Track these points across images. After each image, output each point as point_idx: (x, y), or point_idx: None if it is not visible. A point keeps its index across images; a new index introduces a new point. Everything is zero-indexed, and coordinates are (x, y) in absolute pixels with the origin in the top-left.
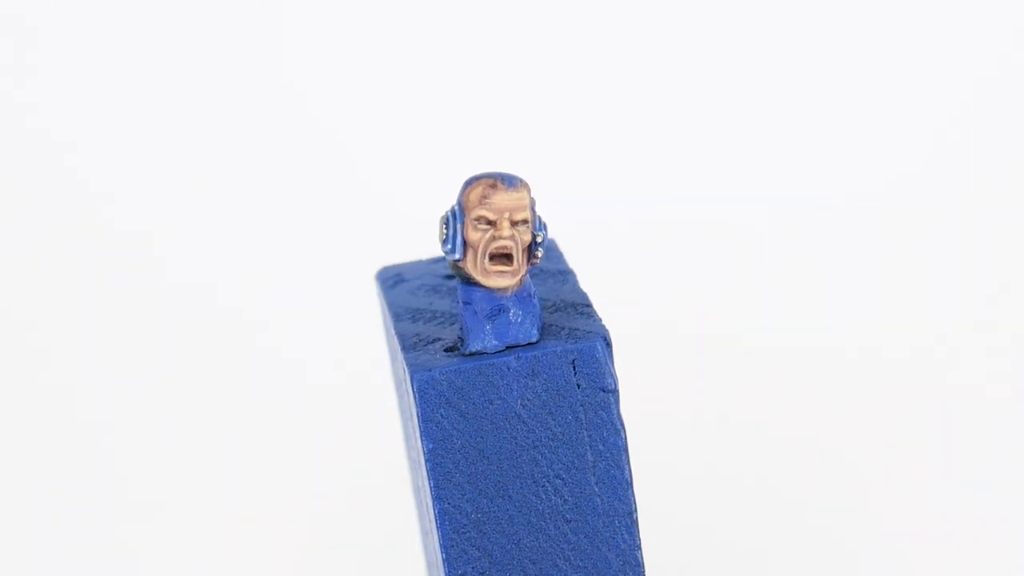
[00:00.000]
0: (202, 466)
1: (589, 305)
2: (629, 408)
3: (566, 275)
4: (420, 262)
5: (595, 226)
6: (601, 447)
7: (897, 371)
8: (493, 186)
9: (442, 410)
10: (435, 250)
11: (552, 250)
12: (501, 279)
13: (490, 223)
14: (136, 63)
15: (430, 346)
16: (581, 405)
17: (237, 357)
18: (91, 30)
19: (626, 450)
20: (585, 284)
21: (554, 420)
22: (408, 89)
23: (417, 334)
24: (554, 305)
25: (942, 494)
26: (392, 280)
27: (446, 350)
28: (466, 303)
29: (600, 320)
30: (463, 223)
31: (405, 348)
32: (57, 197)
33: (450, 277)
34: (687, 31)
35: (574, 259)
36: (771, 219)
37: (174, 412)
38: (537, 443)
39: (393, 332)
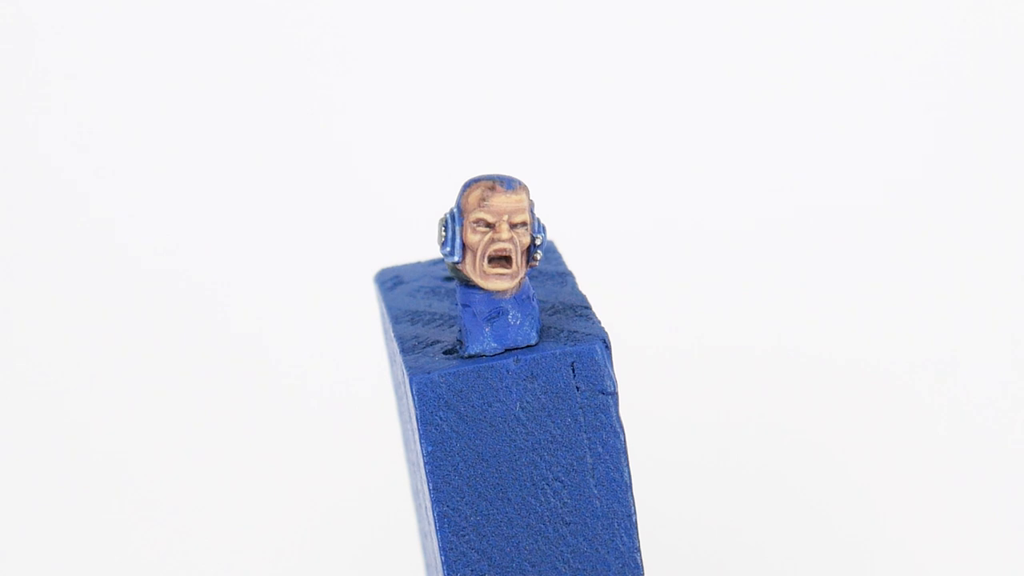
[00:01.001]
0: (199, 468)
1: (588, 307)
2: (629, 411)
3: (565, 277)
4: (419, 264)
5: (593, 228)
6: (600, 449)
7: (899, 376)
8: (492, 188)
9: (441, 413)
10: (434, 251)
11: (551, 252)
12: (500, 281)
13: (489, 225)
14: (135, 62)
15: (429, 348)
16: (580, 408)
17: (235, 359)
18: (91, 31)
19: (625, 452)
20: (584, 286)
21: (553, 423)
22: (408, 91)
23: (416, 336)
24: (553, 307)
25: (946, 497)
26: (391, 282)
27: (445, 353)
28: (465, 305)
29: (599, 322)
30: (462, 225)
31: (404, 351)
32: (54, 199)
33: (449, 279)
34: (687, 34)
35: (573, 261)
36: (770, 223)
37: (171, 415)
38: (536, 446)
39: (392, 335)
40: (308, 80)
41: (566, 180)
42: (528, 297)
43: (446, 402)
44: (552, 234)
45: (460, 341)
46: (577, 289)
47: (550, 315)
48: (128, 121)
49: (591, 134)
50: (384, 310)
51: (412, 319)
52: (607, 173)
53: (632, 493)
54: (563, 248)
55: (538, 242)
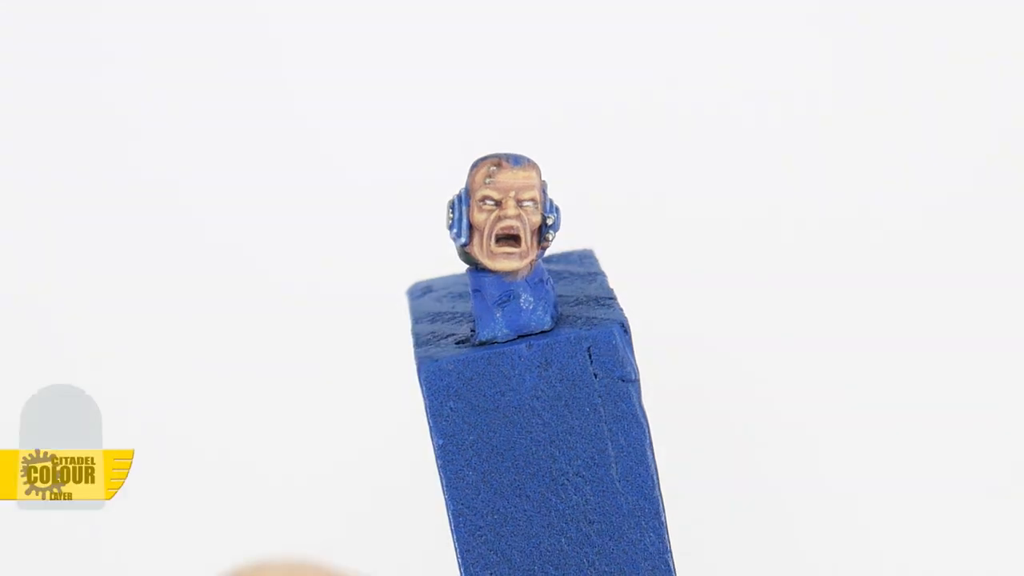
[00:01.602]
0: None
1: (612, 298)
2: (654, 407)
3: (596, 276)
4: (452, 275)
5: (628, 223)
6: (623, 441)
7: (906, 372)
8: (498, 165)
9: (451, 403)
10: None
11: (588, 258)
12: (508, 261)
13: (497, 204)
14: (162, 74)
15: (443, 340)
16: (599, 396)
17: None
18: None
19: (651, 445)
20: (616, 284)
21: (571, 412)
22: (449, 117)
23: (432, 332)
24: (576, 299)
25: (955, 493)
26: (420, 292)
27: (457, 343)
28: (475, 290)
29: (620, 309)
30: (468, 205)
31: (417, 345)
32: (76, 207)
33: None
34: (692, 34)
35: (607, 258)
36: (781, 228)
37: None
38: (554, 437)
39: (411, 334)
40: (336, 108)
41: (586, 182)
42: (541, 280)
43: (456, 391)
44: (587, 233)
45: (473, 330)
46: (606, 285)
47: (572, 306)
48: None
49: (607, 136)
50: (408, 315)
51: (433, 319)
52: (619, 176)
53: (660, 490)
54: (598, 251)
55: (549, 222)
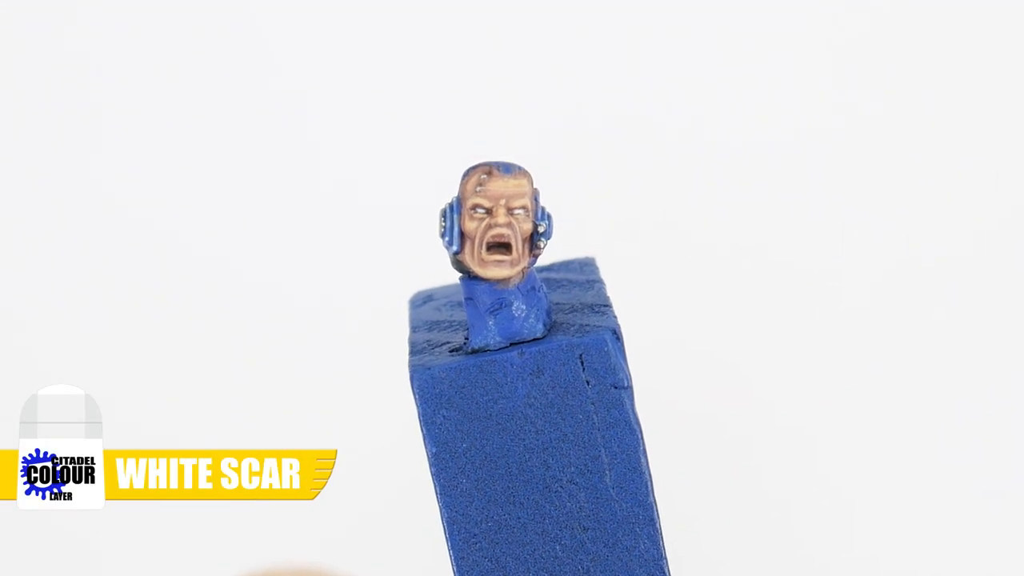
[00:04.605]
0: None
1: (607, 305)
2: (650, 408)
3: (594, 284)
4: (454, 284)
5: (625, 229)
6: (616, 448)
7: (900, 380)
8: (489, 173)
9: (444, 411)
10: None
11: (589, 265)
12: (499, 269)
13: (487, 211)
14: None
15: (437, 349)
16: (592, 403)
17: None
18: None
19: (644, 451)
20: (613, 291)
21: (564, 420)
22: (457, 129)
23: (428, 340)
24: (571, 307)
25: (956, 493)
26: (421, 300)
27: (451, 351)
28: (468, 298)
29: (614, 316)
30: (460, 214)
31: (412, 353)
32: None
33: None
34: (691, 43)
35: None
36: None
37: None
38: (547, 445)
39: (407, 343)
40: (342, 116)
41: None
42: (534, 288)
43: (448, 399)
44: (584, 240)
45: (467, 338)
46: (603, 293)
47: (566, 313)
48: (188, 163)
49: (609, 144)
50: (408, 324)
51: (430, 327)
52: (624, 186)
53: (654, 495)
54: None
55: (541, 229)
